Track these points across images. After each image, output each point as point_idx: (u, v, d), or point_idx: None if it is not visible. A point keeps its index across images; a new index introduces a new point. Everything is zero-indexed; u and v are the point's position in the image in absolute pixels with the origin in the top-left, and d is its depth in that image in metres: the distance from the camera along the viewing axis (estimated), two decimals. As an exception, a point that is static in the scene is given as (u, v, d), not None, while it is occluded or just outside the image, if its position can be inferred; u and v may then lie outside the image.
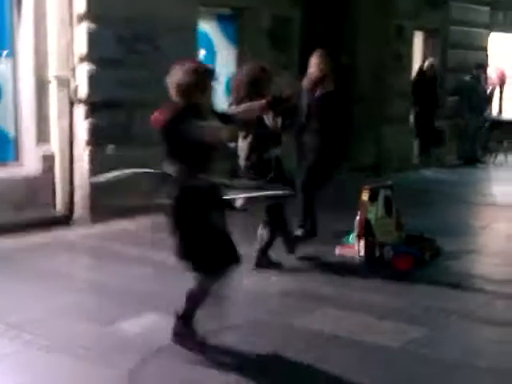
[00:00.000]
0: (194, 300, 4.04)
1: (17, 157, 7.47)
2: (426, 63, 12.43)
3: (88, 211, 7.46)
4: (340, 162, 6.73)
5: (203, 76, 4.05)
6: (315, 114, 6.48)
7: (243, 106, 4.87)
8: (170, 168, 4.01)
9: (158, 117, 4.02)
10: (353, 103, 11.45)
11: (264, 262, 5.85)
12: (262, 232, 5.84)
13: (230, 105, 5.74)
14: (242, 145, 5.68)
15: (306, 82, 6.59)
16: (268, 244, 5.88)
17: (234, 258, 4.08)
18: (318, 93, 6.49)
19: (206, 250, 3.95)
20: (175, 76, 4.03)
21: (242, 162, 5.69)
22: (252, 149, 5.62)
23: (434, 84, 12.35)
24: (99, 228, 7.24)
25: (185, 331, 4.06)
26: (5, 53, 7.26)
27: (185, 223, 3.96)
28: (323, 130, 6.47)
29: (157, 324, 4.54)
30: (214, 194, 4.04)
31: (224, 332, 4.40)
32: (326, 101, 6.46)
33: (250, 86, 5.60)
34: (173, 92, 4.04)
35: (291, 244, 6.16)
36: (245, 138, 5.65)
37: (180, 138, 3.90)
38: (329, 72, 6.54)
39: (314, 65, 6.53)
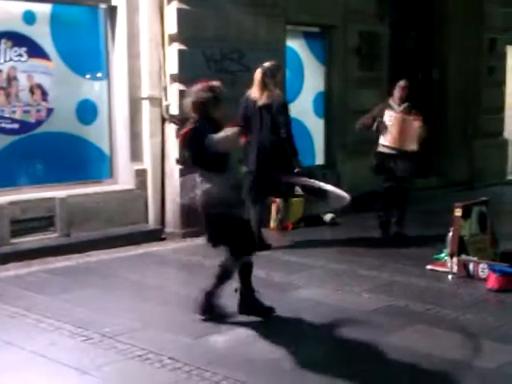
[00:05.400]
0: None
1: (111, 174, 7.74)
2: None
3: (179, 226, 7.62)
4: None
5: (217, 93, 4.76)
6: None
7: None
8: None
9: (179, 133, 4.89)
10: (442, 120, 11.27)
11: None
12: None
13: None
14: None
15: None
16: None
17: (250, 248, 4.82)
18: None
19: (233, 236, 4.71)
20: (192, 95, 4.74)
21: None
22: None
23: None
24: (190, 242, 7.38)
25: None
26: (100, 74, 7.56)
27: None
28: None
29: (247, 338, 4.56)
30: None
31: (314, 347, 4.37)
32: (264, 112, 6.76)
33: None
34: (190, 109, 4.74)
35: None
36: None
37: (201, 149, 4.55)
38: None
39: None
